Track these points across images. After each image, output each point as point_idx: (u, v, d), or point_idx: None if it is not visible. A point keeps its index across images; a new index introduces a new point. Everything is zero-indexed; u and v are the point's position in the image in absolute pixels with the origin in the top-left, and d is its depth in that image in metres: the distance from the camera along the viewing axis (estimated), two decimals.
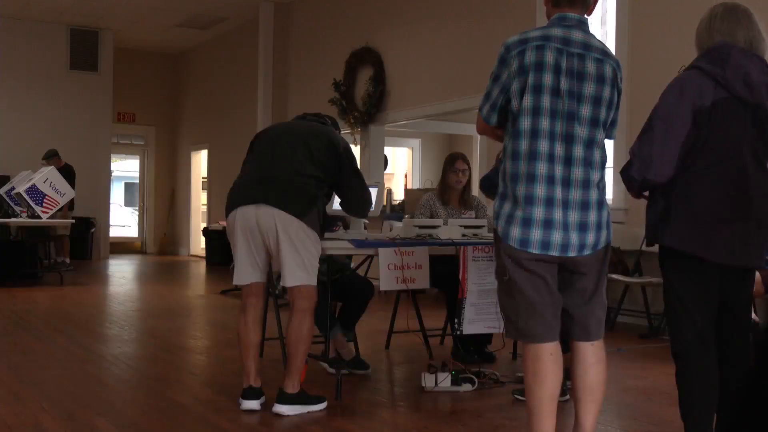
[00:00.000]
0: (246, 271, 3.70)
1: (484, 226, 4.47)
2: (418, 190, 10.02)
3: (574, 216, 2.61)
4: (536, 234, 2.59)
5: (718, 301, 2.80)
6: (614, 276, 5.93)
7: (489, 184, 4.06)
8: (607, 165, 2.76)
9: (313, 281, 3.62)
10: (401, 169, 15.14)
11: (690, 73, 2.77)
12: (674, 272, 2.81)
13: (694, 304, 2.76)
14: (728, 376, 2.82)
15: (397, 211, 9.07)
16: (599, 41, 2.70)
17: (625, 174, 2.82)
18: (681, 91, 2.72)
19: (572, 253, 2.62)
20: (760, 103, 2.71)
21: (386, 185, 11.43)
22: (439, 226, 4.30)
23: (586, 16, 2.73)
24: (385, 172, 10.63)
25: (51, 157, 10.68)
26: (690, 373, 2.76)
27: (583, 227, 2.62)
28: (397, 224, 4.44)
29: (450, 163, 5.12)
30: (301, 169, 3.61)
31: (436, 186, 5.30)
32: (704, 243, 2.70)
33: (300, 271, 3.57)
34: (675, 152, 2.70)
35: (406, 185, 14.58)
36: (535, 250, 2.59)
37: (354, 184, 3.79)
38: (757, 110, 2.72)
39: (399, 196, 13.02)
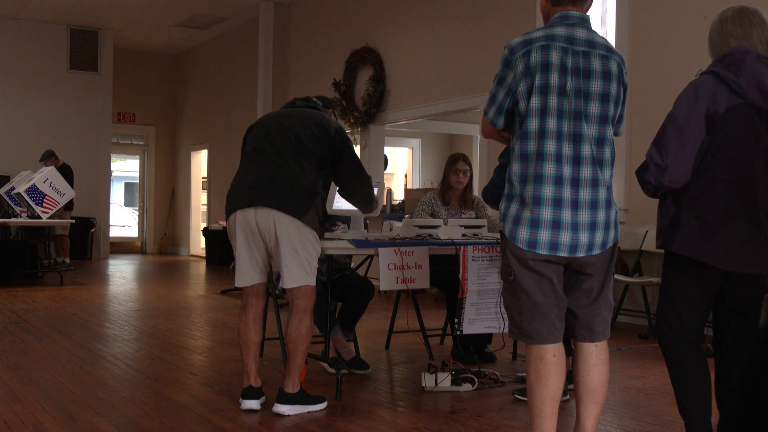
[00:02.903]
0: (247, 273, 3.69)
1: (484, 226, 4.46)
2: (418, 190, 10.02)
3: (584, 216, 2.60)
4: (544, 235, 2.58)
5: (724, 302, 2.85)
6: (614, 276, 5.92)
7: (491, 195, 4.04)
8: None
9: (313, 281, 3.62)
10: (401, 169, 15.15)
11: (705, 78, 2.77)
12: (675, 273, 2.85)
13: (685, 305, 2.81)
14: (730, 373, 2.84)
15: (397, 211, 9.07)
16: (602, 38, 2.70)
17: (640, 176, 2.83)
18: (696, 98, 2.72)
19: (581, 254, 2.61)
20: None
21: (386, 185, 11.43)
22: (439, 226, 4.30)
23: (585, 12, 2.73)
24: (385, 172, 10.63)
25: (48, 157, 10.70)
26: (680, 371, 2.83)
27: (592, 227, 2.61)
28: (397, 224, 4.43)
29: (451, 164, 5.12)
30: (295, 165, 3.59)
31: (437, 186, 5.30)
32: (712, 250, 2.71)
33: (299, 272, 3.56)
34: (690, 159, 2.71)
35: (406, 185, 14.59)
36: (543, 251, 2.59)
37: (347, 162, 3.73)
38: None
39: (399, 196, 13.02)
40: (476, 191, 5.59)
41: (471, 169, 5.14)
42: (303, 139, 3.64)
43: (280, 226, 3.51)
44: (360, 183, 3.82)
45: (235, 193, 3.68)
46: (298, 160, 3.60)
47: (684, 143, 2.70)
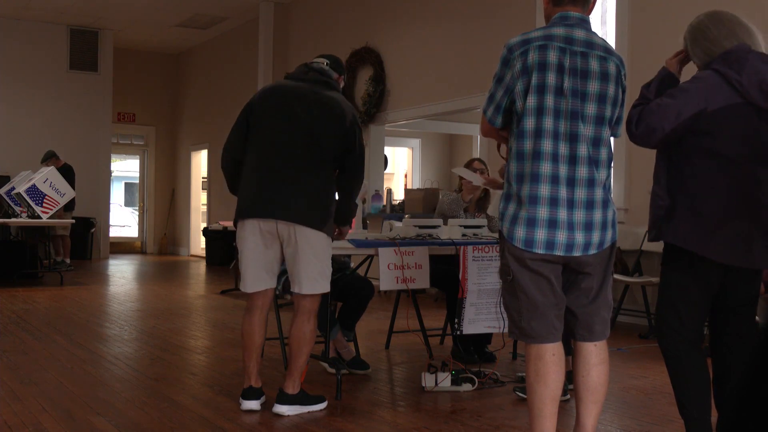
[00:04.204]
0: (260, 278, 3.64)
1: (484, 226, 4.47)
2: (418, 190, 10.02)
3: (579, 215, 2.60)
4: (541, 234, 2.59)
5: (723, 302, 2.85)
6: (614, 276, 5.93)
7: None
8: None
9: (328, 287, 3.63)
10: (401, 169, 15.14)
11: (706, 73, 2.77)
12: (675, 273, 2.85)
13: (685, 305, 2.81)
14: (730, 373, 2.84)
15: (397, 211, 9.07)
16: (601, 39, 2.70)
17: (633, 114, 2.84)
18: (696, 89, 2.73)
19: (577, 253, 2.62)
20: None
21: (386, 185, 11.43)
22: (439, 226, 4.30)
23: (586, 14, 2.73)
24: (385, 172, 10.63)
25: (49, 158, 10.69)
26: (681, 372, 2.83)
27: (588, 226, 2.62)
28: (397, 224, 4.44)
29: (467, 165, 5.13)
30: (311, 167, 3.54)
31: (457, 190, 5.25)
32: (706, 242, 2.72)
33: (322, 280, 3.57)
34: (673, 116, 2.71)
35: (406, 185, 14.59)
36: (540, 250, 2.59)
37: (354, 156, 3.65)
38: None
39: (399, 196, 13.02)
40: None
41: (487, 169, 5.14)
42: (318, 136, 3.56)
43: (300, 236, 3.50)
44: (352, 181, 3.73)
45: (251, 198, 3.58)
46: (313, 160, 3.55)
47: (677, 119, 2.70)
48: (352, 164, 3.67)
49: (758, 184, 2.73)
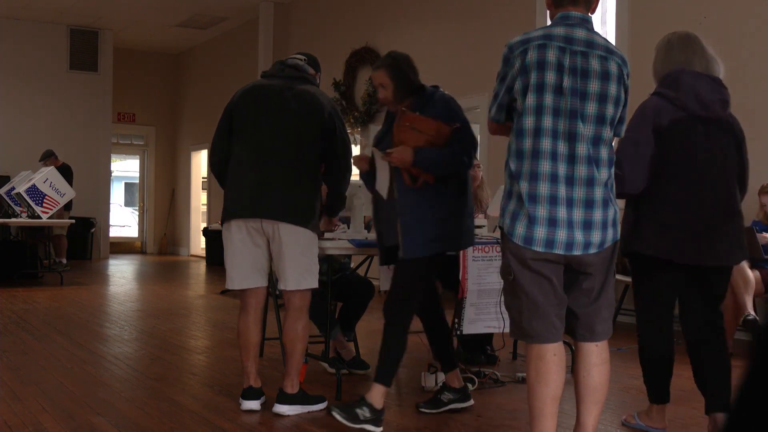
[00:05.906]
0: (250, 276, 3.64)
1: (483, 226, 4.46)
2: None
3: (578, 214, 2.60)
4: (540, 232, 2.58)
5: (692, 301, 3.25)
6: (615, 276, 5.92)
7: None
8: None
9: (317, 283, 3.64)
10: None
11: (650, 99, 3.15)
12: (642, 276, 3.28)
13: (656, 303, 3.29)
14: (705, 365, 3.24)
15: None
16: (603, 38, 2.71)
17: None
18: (642, 115, 3.11)
19: (577, 252, 2.61)
20: (718, 117, 3.08)
21: None
22: None
23: (589, 14, 2.75)
24: None
25: (47, 157, 10.66)
26: (651, 359, 3.36)
27: (587, 225, 2.61)
28: None
29: None
30: (294, 165, 3.54)
31: None
32: (671, 247, 3.08)
33: (308, 276, 3.57)
34: (645, 169, 3.09)
35: None
36: (539, 248, 2.59)
37: (335, 145, 3.63)
38: (719, 123, 3.09)
39: None
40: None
41: (479, 166, 5.13)
42: (298, 130, 3.56)
43: (284, 234, 3.51)
44: (336, 172, 3.69)
45: (236, 198, 3.60)
46: (296, 157, 3.55)
47: (636, 156, 3.08)
48: (334, 155, 3.66)
49: (705, 188, 3.07)
